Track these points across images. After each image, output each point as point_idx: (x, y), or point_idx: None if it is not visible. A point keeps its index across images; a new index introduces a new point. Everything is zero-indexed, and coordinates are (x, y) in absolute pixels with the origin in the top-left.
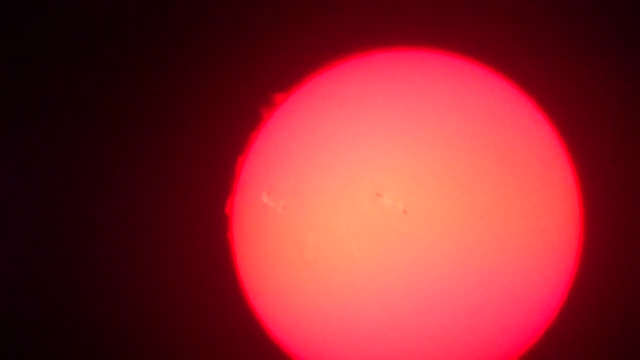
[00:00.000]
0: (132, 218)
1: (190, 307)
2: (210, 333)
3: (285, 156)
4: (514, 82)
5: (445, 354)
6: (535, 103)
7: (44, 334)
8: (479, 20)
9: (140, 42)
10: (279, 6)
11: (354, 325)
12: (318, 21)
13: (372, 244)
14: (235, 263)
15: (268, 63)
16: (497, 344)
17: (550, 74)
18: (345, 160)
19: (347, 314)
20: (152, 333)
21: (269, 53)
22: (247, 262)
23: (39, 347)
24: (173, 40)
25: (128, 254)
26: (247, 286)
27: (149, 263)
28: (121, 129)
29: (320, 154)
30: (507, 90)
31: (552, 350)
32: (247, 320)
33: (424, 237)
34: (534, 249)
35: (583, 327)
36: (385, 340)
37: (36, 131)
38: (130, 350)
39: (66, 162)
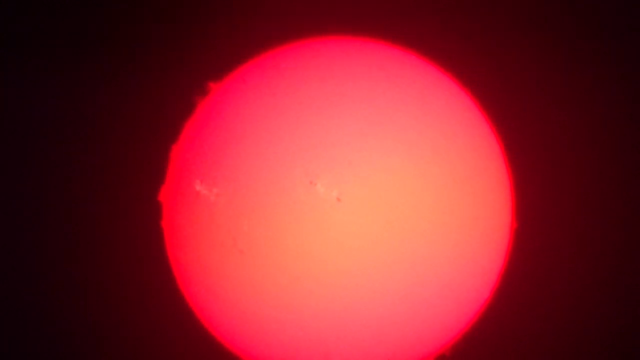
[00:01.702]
0: (64, 205)
1: (122, 296)
2: (142, 322)
3: (218, 144)
4: (448, 71)
5: (377, 342)
6: (470, 93)
7: None
8: (413, 9)
9: (72, 28)
10: None
11: (288, 314)
12: (251, 9)
13: (306, 232)
14: (168, 251)
15: (201, 51)
16: (430, 333)
17: (485, 64)
18: (279, 149)
19: (281, 303)
20: (82, 323)
21: (202, 41)
22: (180, 250)
23: None
24: (106, 27)
25: (58, 241)
26: (180, 274)
27: (81, 251)
28: (52, 115)
29: (254, 142)
30: (441, 79)
31: (485, 337)
32: (179, 309)
33: (358, 225)
34: (467, 237)
35: (515, 315)
36: (318, 328)
37: None
38: (59, 338)
39: None
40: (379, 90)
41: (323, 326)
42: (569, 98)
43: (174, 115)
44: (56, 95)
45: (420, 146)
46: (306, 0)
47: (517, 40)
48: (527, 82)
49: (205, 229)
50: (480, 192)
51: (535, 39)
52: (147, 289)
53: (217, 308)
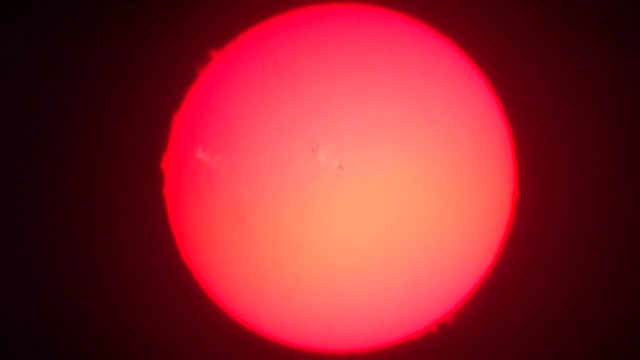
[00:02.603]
0: (66, 174)
1: (124, 264)
2: (144, 290)
3: (220, 112)
4: (446, 35)
5: (379, 310)
6: (469, 56)
7: None
8: None
9: None
10: None
11: (289, 281)
12: None
13: (307, 199)
14: (170, 219)
15: (203, 19)
16: (431, 301)
17: (483, 27)
18: (281, 117)
19: (283, 270)
20: (83, 290)
21: (204, 9)
22: (182, 218)
23: None
24: None
25: (61, 209)
26: (182, 242)
27: (82, 220)
28: (53, 85)
29: (255, 110)
30: (440, 43)
31: (487, 306)
32: (181, 276)
33: (360, 193)
34: (468, 205)
35: (516, 283)
36: (320, 295)
37: None
38: (60, 306)
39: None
40: (382, 58)
41: (325, 293)
42: (575, 68)
43: (175, 83)
44: (57, 64)
45: (423, 114)
46: None
47: (518, 2)
48: (529, 48)
49: (207, 197)
50: (481, 160)
51: (539, 10)
52: (149, 256)
53: (218, 275)
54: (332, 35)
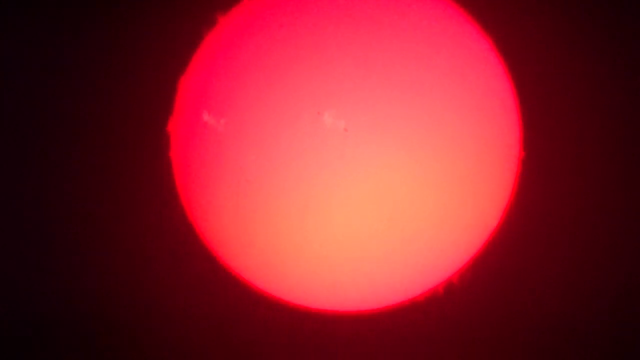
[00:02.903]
0: (74, 137)
1: (131, 227)
2: (151, 251)
3: (226, 75)
4: (455, 2)
5: (385, 270)
6: (474, 19)
7: None
8: None
9: None
10: None
11: (295, 242)
12: None
13: (313, 162)
14: (176, 181)
15: None
16: (438, 261)
17: None
18: (287, 80)
19: (288, 231)
20: (92, 252)
21: None
22: (188, 180)
23: None
24: None
25: (68, 172)
26: (189, 204)
27: (89, 182)
28: (61, 49)
29: (261, 73)
30: (445, 7)
31: (493, 266)
32: (188, 237)
33: (365, 156)
34: (474, 166)
35: (522, 243)
36: (325, 256)
37: None
38: (69, 270)
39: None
40: (387, 21)
41: (330, 254)
42: (583, 32)
43: (182, 46)
44: (63, 30)
45: (429, 77)
46: None
47: None
48: (535, 10)
49: (213, 159)
50: (487, 121)
51: None
52: (156, 218)
53: (225, 237)
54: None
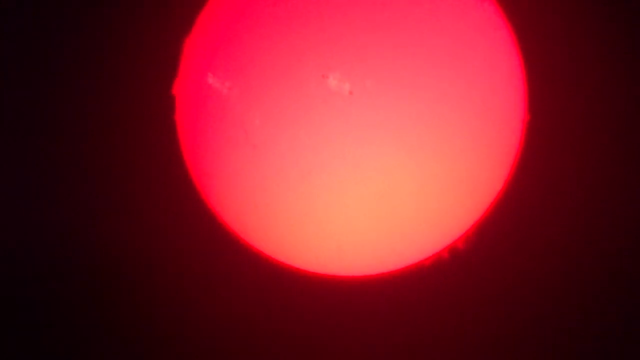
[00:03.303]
0: (78, 100)
1: (135, 190)
2: (156, 212)
3: (231, 38)
4: None
5: (390, 234)
6: None
7: None
8: None
9: None
10: None
11: (300, 206)
12: None
13: (318, 125)
14: (181, 145)
15: None
16: (443, 224)
17: None
18: (292, 42)
19: (293, 195)
20: (97, 215)
21: None
22: (193, 144)
23: None
24: None
25: (74, 134)
26: (193, 167)
27: (95, 144)
28: (68, 14)
29: (267, 35)
30: None
31: (498, 229)
32: (193, 201)
33: (370, 119)
34: (479, 129)
35: (527, 207)
36: (330, 220)
37: None
38: (76, 237)
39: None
40: None
41: (335, 218)
42: None
43: (186, 8)
44: None
45: (435, 40)
46: None
47: None
48: None
49: (218, 123)
50: (493, 85)
51: None
52: (161, 182)
53: (230, 200)
54: None
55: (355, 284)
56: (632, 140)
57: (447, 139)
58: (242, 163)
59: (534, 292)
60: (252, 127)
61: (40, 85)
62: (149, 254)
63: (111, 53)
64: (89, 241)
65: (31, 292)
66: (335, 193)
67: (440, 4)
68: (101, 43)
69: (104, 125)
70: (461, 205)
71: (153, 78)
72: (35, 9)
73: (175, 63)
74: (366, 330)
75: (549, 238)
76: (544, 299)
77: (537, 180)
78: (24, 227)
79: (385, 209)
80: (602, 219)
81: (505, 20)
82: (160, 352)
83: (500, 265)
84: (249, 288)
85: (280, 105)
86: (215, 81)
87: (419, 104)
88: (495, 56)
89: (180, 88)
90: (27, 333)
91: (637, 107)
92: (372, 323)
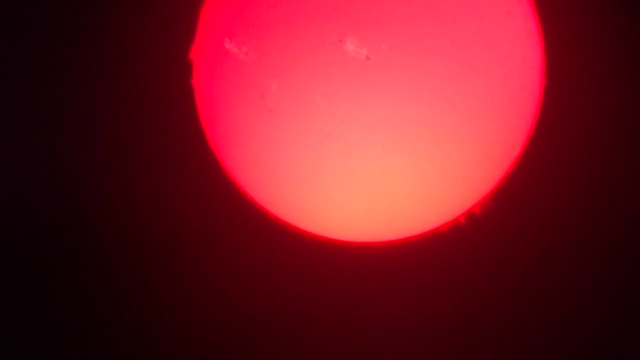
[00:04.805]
0: (95, 66)
1: (153, 155)
2: (173, 181)
3: (248, 2)
4: None
5: (408, 199)
6: None
7: None
8: None
9: None
10: None
11: (316, 172)
12: None
13: (334, 90)
14: (198, 109)
15: None
16: (460, 190)
17: None
18: (308, 6)
19: (310, 161)
20: (112, 180)
21: None
22: (210, 108)
23: None
24: None
25: (91, 99)
26: (210, 133)
27: (112, 112)
28: None
29: (284, 0)
30: None
31: (515, 196)
32: (209, 165)
33: (387, 84)
34: (497, 94)
35: (544, 173)
36: (347, 186)
37: None
38: (89, 200)
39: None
40: None
41: (351, 184)
42: None
43: None
44: None
45: (452, 4)
46: None
47: None
48: None
49: (235, 87)
50: (510, 50)
51: None
52: (178, 146)
53: (246, 165)
54: None
55: (371, 250)
56: None
57: (464, 104)
58: (258, 127)
59: (550, 259)
60: (268, 91)
61: (55, 47)
62: (163, 215)
63: (128, 19)
64: (103, 202)
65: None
66: (351, 158)
67: None
68: (120, 8)
69: (121, 89)
70: (478, 171)
71: (170, 43)
72: None
73: (193, 28)
74: (382, 296)
75: (566, 205)
76: (561, 266)
77: (554, 146)
78: (38, 188)
79: (402, 175)
80: (621, 186)
81: None
82: (175, 316)
83: (517, 232)
84: (261, 250)
85: (297, 70)
86: (232, 46)
87: (436, 69)
88: (513, 21)
89: (197, 53)
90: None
91: None
92: (388, 289)
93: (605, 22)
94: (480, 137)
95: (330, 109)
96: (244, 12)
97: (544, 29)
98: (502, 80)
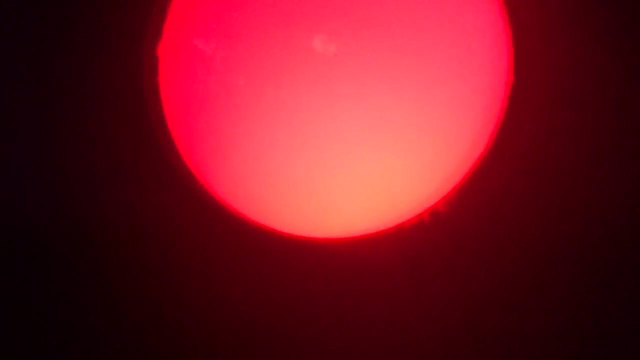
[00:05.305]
0: (61, 60)
1: (117, 150)
2: (137, 173)
3: None
4: None
5: (370, 195)
6: None
7: None
8: None
9: None
10: None
11: (282, 167)
12: None
13: (302, 87)
14: (164, 106)
15: None
16: (423, 186)
17: None
18: (277, 3)
19: (276, 156)
20: (78, 179)
21: None
22: (176, 105)
23: None
24: None
25: (55, 93)
26: (176, 130)
27: (78, 105)
28: None
29: None
30: None
31: (480, 192)
32: (175, 162)
33: (355, 81)
34: (462, 90)
35: (510, 169)
36: (314, 181)
37: None
38: (54, 197)
39: None
40: None
41: (316, 179)
42: None
43: None
44: None
45: (420, 3)
46: None
47: None
48: None
49: (202, 84)
50: (477, 48)
51: None
52: (144, 143)
53: (212, 162)
54: None
55: (333, 246)
56: (617, 101)
57: (429, 101)
58: (225, 124)
59: (513, 256)
60: (236, 88)
61: (16, 45)
62: (126, 212)
63: (95, 14)
64: (67, 205)
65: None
66: (317, 154)
67: None
68: (87, 3)
69: (86, 86)
70: (442, 167)
71: (137, 39)
72: None
73: (160, 24)
74: (345, 292)
75: (530, 201)
76: (525, 262)
77: (518, 143)
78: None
79: (366, 171)
80: (585, 182)
81: None
82: (141, 320)
83: (481, 229)
84: (226, 248)
85: (265, 66)
86: (200, 42)
87: (402, 66)
88: (479, 17)
89: (164, 50)
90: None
91: (626, 73)
92: (350, 285)
93: (574, 20)
94: (444, 134)
95: (298, 105)
96: (212, 8)
97: (512, 26)
98: (468, 76)
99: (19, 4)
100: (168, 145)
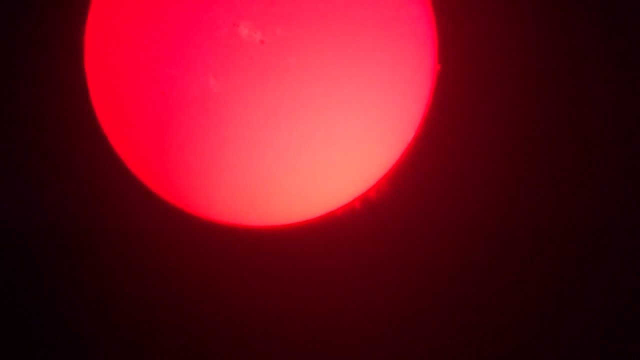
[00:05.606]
0: None
1: (45, 137)
2: (66, 163)
3: None
4: None
5: (300, 184)
6: None
7: None
8: None
9: None
10: None
11: (211, 155)
12: None
13: (228, 74)
14: (90, 92)
15: None
16: (354, 174)
17: None
18: None
19: (202, 143)
20: (8, 169)
21: None
22: (103, 92)
23: None
24: None
25: None
26: (103, 116)
27: (1, 91)
28: None
29: None
30: None
31: (410, 179)
32: (102, 148)
33: (281, 68)
34: (389, 78)
35: (438, 156)
36: (243, 170)
37: None
38: None
39: None
40: None
41: (246, 167)
42: None
43: None
44: None
45: None
46: None
47: None
48: None
49: (129, 71)
50: (403, 34)
51: None
52: (70, 130)
53: (139, 149)
54: None
55: (266, 234)
56: (541, 89)
57: (357, 88)
58: (151, 111)
59: (447, 243)
60: (162, 75)
61: None
62: (57, 202)
63: (22, 2)
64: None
65: None
66: (246, 142)
67: None
68: None
69: (10, 71)
70: (373, 155)
71: (62, 25)
72: None
73: (85, 10)
74: (277, 280)
75: (461, 188)
76: (454, 247)
77: (447, 130)
78: None
79: (295, 158)
80: (514, 166)
81: None
82: (67, 304)
83: (412, 216)
84: (157, 236)
85: (191, 53)
86: (126, 29)
87: (328, 53)
88: (406, 7)
89: (90, 35)
90: None
91: (551, 57)
92: (283, 273)
93: (499, 10)
94: (374, 122)
95: (224, 92)
96: None
97: (437, 15)
98: (396, 64)
99: None
100: (94, 130)
